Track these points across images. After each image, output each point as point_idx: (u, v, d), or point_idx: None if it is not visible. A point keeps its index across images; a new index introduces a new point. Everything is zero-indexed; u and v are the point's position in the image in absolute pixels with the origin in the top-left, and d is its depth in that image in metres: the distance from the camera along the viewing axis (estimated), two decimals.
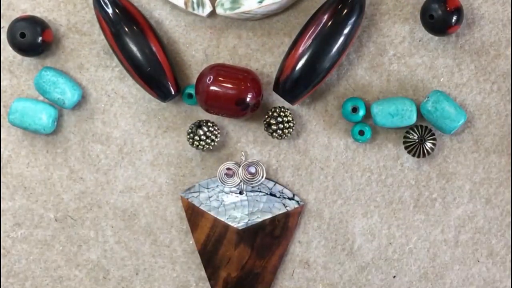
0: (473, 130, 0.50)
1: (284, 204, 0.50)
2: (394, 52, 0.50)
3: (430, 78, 0.50)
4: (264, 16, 0.50)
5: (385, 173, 0.50)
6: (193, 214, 0.51)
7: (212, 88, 0.47)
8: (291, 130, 0.49)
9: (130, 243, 0.51)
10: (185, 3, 0.49)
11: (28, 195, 0.51)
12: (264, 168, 0.50)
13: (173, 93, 0.49)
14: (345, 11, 0.47)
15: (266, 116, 0.49)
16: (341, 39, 0.47)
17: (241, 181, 0.50)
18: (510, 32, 0.50)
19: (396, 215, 0.51)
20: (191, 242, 0.51)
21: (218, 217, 0.50)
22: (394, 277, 0.51)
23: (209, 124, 0.49)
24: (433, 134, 0.49)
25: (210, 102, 0.48)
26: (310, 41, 0.47)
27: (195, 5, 0.49)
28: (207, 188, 0.50)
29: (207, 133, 0.49)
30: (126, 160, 0.51)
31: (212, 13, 0.49)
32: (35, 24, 0.49)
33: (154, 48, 0.48)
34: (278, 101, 0.50)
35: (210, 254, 0.50)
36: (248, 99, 0.47)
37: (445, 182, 0.51)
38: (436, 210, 0.51)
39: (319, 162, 0.51)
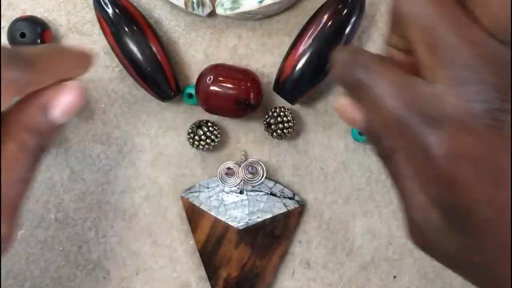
0: None
1: (284, 204, 0.50)
2: None
3: None
4: (264, 16, 0.50)
5: (385, 173, 0.50)
6: (194, 214, 0.51)
7: (212, 88, 0.47)
8: (291, 130, 0.49)
9: (131, 243, 0.51)
10: (185, 3, 0.49)
11: (28, 196, 0.51)
12: (264, 168, 0.50)
13: (173, 93, 0.49)
14: (345, 11, 0.47)
15: (266, 116, 0.49)
16: (341, 39, 0.47)
17: (241, 180, 0.50)
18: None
19: (396, 215, 0.51)
20: (191, 242, 0.51)
21: (218, 217, 0.50)
22: (394, 277, 0.51)
23: (209, 124, 0.49)
24: None
25: (210, 102, 0.48)
26: (310, 41, 0.47)
27: (195, 5, 0.49)
28: (207, 188, 0.51)
29: (207, 133, 0.49)
30: (127, 160, 0.51)
31: (212, 13, 0.50)
32: (35, 24, 0.49)
33: (154, 48, 0.48)
34: (278, 101, 0.50)
35: (210, 254, 0.50)
36: (248, 99, 0.47)
37: None
38: None
39: (319, 162, 0.51)
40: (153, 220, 0.51)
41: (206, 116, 0.51)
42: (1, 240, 0.36)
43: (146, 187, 0.51)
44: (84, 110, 0.51)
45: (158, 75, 0.48)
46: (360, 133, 0.50)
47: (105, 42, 0.49)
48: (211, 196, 0.51)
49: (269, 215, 0.50)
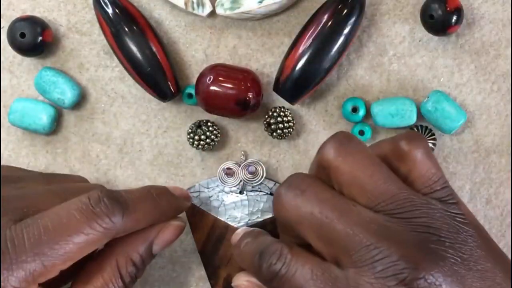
0: (473, 130, 0.50)
1: None
2: (394, 52, 0.50)
3: (430, 78, 0.50)
4: (264, 16, 0.50)
5: None
6: (193, 214, 0.51)
7: (212, 88, 0.47)
8: (291, 130, 0.49)
9: None
10: (185, 3, 0.49)
11: None
12: (264, 168, 0.50)
13: (173, 93, 0.49)
14: (345, 11, 0.47)
15: (266, 116, 0.49)
16: (341, 39, 0.47)
17: (241, 180, 0.50)
18: (510, 32, 0.50)
19: None
20: (191, 242, 0.51)
21: (218, 217, 0.50)
22: None
23: (209, 124, 0.49)
24: (433, 134, 0.49)
25: (210, 102, 0.48)
26: (310, 41, 0.47)
27: (195, 5, 0.49)
28: (207, 188, 0.51)
29: (207, 133, 0.49)
30: (126, 160, 0.51)
31: (212, 13, 0.50)
32: (35, 24, 0.49)
33: (154, 48, 0.48)
34: (278, 101, 0.50)
35: (210, 254, 0.50)
36: (248, 99, 0.47)
37: None
38: None
39: None
40: None
41: (206, 116, 0.51)
42: None
43: None
44: (84, 110, 0.51)
45: (158, 75, 0.48)
46: (360, 133, 0.50)
47: (105, 42, 0.49)
48: (211, 196, 0.51)
49: (269, 215, 0.50)
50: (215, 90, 0.47)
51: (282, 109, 0.49)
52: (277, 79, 0.49)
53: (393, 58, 0.50)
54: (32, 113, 0.49)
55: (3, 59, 0.51)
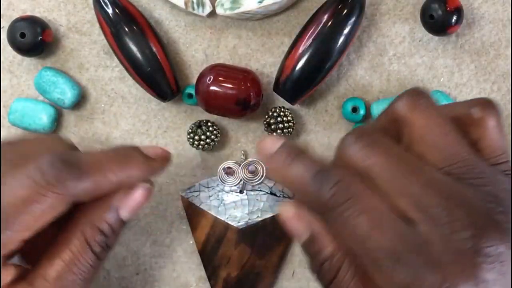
0: None
1: None
2: (394, 52, 0.50)
3: (430, 78, 0.50)
4: (264, 16, 0.50)
5: None
6: (193, 214, 0.51)
7: (212, 88, 0.47)
8: (291, 130, 0.49)
9: (130, 244, 0.51)
10: (185, 3, 0.49)
11: None
12: (264, 167, 0.50)
13: (173, 93, 0.49)
14: (345, 11, 0.47)
15: (266, 116, 0.49)
16: (341, 39, 0.47)
17: (241, 180, 0.50)
18: (510, 32, 0.50)
19: None
20: (191, 242, 0.51)
21: (218, 217, 0.50)
22: None
23: (209, 124, 0.49)
24: None
25: (210, 102, 0.48)
26: (310, 41, 0.47)
27: (195, 5, 0.49)
28: (207, 187, 0.51)
29: (207, 133, 0.49)
30: None
31: (212, 13, 0.49)
32: (35, 24, 0.49)
33: (154, 48, 0.48)
34: (278, 101, 0.50)
35: (210, 254, 0.50)
36: (248, 99, 0.47)
37: None
38: None
39: None
40: (153, 220, 0.51)
41: (206, 116, 0.51)
42: None
43: None
44: (84, 110, 0.51)
45: (158, 75, 0.48)
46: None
47: (105, 42, 0.49)
48: (211, 196, 0.51)
49: (269, 215, 0.50)
50: (215, 90, 0.47)
51: (282, 109, 0.49)
52: (277, 79, 0.49)
53: (393, 58, 0.50)
54: (32, 113, 0.49)
55: (3, 59, 0.51)
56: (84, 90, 0.51)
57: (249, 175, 0.50)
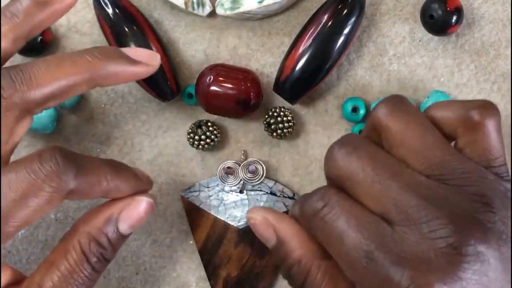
0: None
1: (284, 203, 0.50)
2: (394, 52, 0.50)
3: (430, 78, 0.50)
4: (264, 16, 0.50)
5: None
6: (193, 214, 0.51)
7: (212, 88, 0.47)
8: (291, 130, 0.49)
9: (131, 243, 0.51)
10: (185, 3, 0.49)
11: None
12: (264, 167, 0.50)
13: (173, 93, 0.49)
14: (345, 11, 0.47)
15: (266, 116, 0.49)
16: (341, 39, 0.47)
17: (241, 180, 0.50)
18: (510, 32, 0.50)
19: None
20: (191, 242, 0.51)
21: (218, 216, 0.50)
22: None
23: (209, 124, 0.49)
24: None
25: (210, 102, 0.48)
26: (310, 41, 0.47)
27: (195, 5, 0.49)
28: (207, 187, 0.51)
29: (207, 133, 0.49)
30: (126, 160, 0.51)
31: (212, 13, 0.50)
32: None
33: (154, 48, 0.48)
34: (278, 101, 0.50)
35: (210, 254, 0.50)
36: (248, 99, 0.47)
37: None
38: None
39: (319, 162, 0.51)
40: (153, 220, 0.51)
41: (206, 116, 0.51)
42: None
43: None
44: (84, 110, 0.51)
45: (158, 75, 0.48)
46: (360, 133, 0.50)
47: (105, 42, 0.49)
48: (211, 196, 0.51)
49: None
50: (215, 90, 0.47)
51: (282, 109, 0.49)
52: (277, 79, 0.49)
53: (393, 58, 0.50)
54: None
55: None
56: None
57: (249, 175, 0.50)
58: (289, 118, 0.49)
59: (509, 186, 0.34)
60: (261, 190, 0.50)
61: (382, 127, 0.36)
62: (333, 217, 0.34)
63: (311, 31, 0.47)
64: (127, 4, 0.48)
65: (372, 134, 0.38)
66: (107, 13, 0.48)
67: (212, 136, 0.49)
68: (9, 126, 0.38)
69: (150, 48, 0.48)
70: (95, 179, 0.39)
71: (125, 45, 0.47)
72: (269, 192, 0.50)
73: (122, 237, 0.41)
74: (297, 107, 0.51)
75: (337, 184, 0.36)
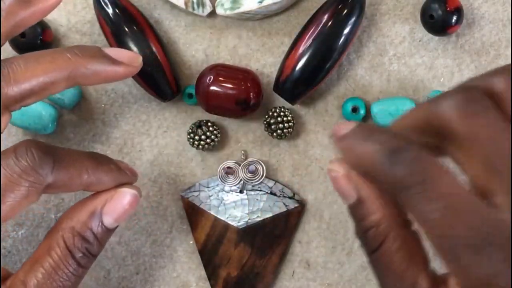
0: None
1: (284, 203, 0.50)
2: (394, 52, 0.50)
3: (430, 78, 0.50)
4: (264, 16, 0.50)
5: None
6: (193, 214, 0.51)
7: (212, 88, 0.47)
8: (291, 130, 0.49)
9: (131, 243, 0.51)
10: (185, 3, 0.49)
11: None
12: (264, 167, 0.50)
13: (173, 93, 0.49)
14: (345, 11, 0.47)
15: (266, 116, 0.49)
16: (341, 39, 0.47)
17: (241, 180, 0.50)
18: (510, 32, 0.50)
19: None
20: (191, 242, 0.51)
21: (218, 216, 0.50)
22: None
23: (209, 124, 0.49)
24: None
25: (210, 102, 0.48)
26: (310, 41, 0.47)
27: (195, 5, 0.49)
28: (207, 187, 0.51)
29: (207, 133, 0.49)
30: (126, 160, 0.51)
31: (212, 13, 0.49)
32: (35, 24, 0.48)
33: (154, 48, 0.48)
34: (278, 101, 0.50)
35: (210, 254, 0.50)
36: (248, 99, 0.47)
37: None
38: None
39: (319, 162, 0.51)
40: (153, 220, 0.51)
41: (206, 116, 0.51)
42: None
43: (146, 187, 0.51)
44: (84, 110, 0.51)
45: (158, 75, 0.48)
46: None
47: (105, 42, 0.49)
48: (211, 196, 0.51)
49: (269, 215, 0.50)
50: (215, 90, 0.47)
51: (282, 109, 0.49)
52: (277, 79, 0.49)
53: (393, 58, 0.50)
54: (32, 113, 0.49)
55: (3, 59, 0.51)
56: (84, 90, 0.51)
57: (249, 175, 0.50)
58: (289, 118, 0.49)
59: None
60: (261, 190, 0.50)
61: (453, 132, 0.30)
62: (428, 196, 0.29)
63: (311, 31, 0.47)
64: (127, 4, 0.48)
65: (424, 128, 0.32)
66: (107, 13, 0.48)
67: (212, 136, 0.49)
68: None
69: (150, 48, 0.48)
70: (75, 172, 0.38)
71: (125, 45, 0.47)
72: (269, 192, 0.50)
73: (108, 231, 0.40)
74: (297, 107, 0.51)
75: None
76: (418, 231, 0.34)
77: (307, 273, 0.51)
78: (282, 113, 0.49)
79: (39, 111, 0.49)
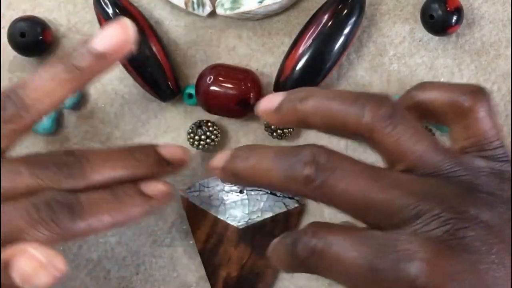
0: None
1: (284, 203, 0.50)
2: (394, 52, 0.50)
3: (430, 78, 0.50)
4: (264, 16, 0.50)
5: None
6: (193, 213, 0.51)
7: (212, 88, 0.47)
8: (291, 130, 0.49)
9: (131, 243, 0.51)
10: (185, 3, 0.49)
11: None
12: None
13: (173, 93, 0.49)
14: (345, 11, 0.47)
15: None
16: (341, 39, 0.47)
17: None
18: (510, 32, 0.50)
19: None
20: (191, 242, 0.51)
21: (218, 216, 0.50)
22: None
23: (209, 124, 0.49)
24: (433, 134, 0.49)
25: (211, 102, 0.48)
26: (310, 41, 0.47)
27: (195, 5, 0.49)
28: (208, 187, 0.51)
29: (207, 133, 0.49)
30: None
31: (212, 13, 0.49)
32: (35, 24, 0.49)
33: (154, 48, 0.48)
34: None
35: (210, 254, 0.50)
36: (248, 99, 0.47)
37: None
38: None
39: None
40: (153, 220, 0.51)
41: (206, 116, 0.51)
42: None
43: None
44: (84, 110, 0.51)
45: (158, 75, 0.48)
46: None
47: None
48: (211, 195, 0.51)
49: (269, 215, 0.50)
50: (215, 90, 0.47)
51: None
52: (277, 79, 0.49)
53: (393, 58, 0.50)
54: None
55: (3, 59, 0.51)
56: (84, 90, 0.51)
57: None
58: None
59: (506, 167, 0.34)
60: (261, 190, 0.50)
61: (369, 136, 0.35)
62: (328, 246, 0.33)
63: (311, 31, 0.47)
64: (127, 4, 0.48)
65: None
66: (107, 13, 0.48)
67: (212, 136, 0.49)
68: None
69: (150, 48, 0.48)
70: (96, 220, 0.39)
71: None
72: (269, 192, 0.50)
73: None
74: None
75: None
76: None
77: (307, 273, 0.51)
78: None
79: None
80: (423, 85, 0.38)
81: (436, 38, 0.50)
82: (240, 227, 0.50)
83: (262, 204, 0.50)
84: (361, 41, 0.50)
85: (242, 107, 0.48)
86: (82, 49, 0.41)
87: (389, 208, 0.32)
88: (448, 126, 0.37)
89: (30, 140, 0.51)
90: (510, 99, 0.50)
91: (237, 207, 0.50)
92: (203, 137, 0.49)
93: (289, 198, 0.50)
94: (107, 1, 0.48)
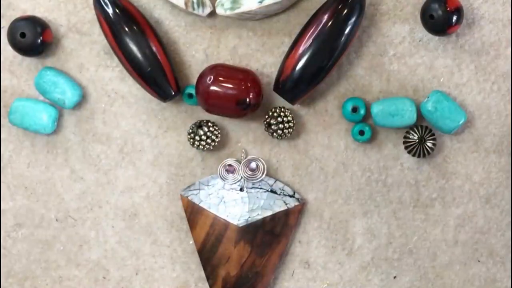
0: (473, 130, 0.50)
1: (284, 202, 0.50)
2: (394, 52, 0.50)
3: (430, 78, 0.50)
4: (264, 16, 0.50)
5: (385, 173, 0.51)
6: (193, 212, 0.51)
7: (212, 88, 0.47)
8: (291, 130, 0.49)
9: (131, 243, 0.51)
10: (185, 3, 0.49)
11: (28, 195, 0.51)
12: (265, 164, 0.50)
13: (173, 93, 0.49)
14: (345, 11, 0.47)
15: (266, 116, 0.49)
16: (341, 39, 0.47)
17: (241, 177, 0.50)
18: (510, 32, 0.50)
19: (396, 215, 0.51)
20: (191, 242, 0.51)
21: (218, 214, 0.50)
22: (394, 277, 0.52)
23: (209, 124, 0.49)
24: (433, 134, 0.49)
25: (211, 102, 0.48)
26: (310, 41, 0.47)
27: (195, 5, 0.49)
28: (207, 185, 0.51)
29: (208, 133, 0.49)
30: (127, 160, 0.51)
31: (212, 13, 0.49)
32: (35, 24, 0.48)
33: (154, 48, 0.48)
34: (278, 101, 0.50)
35: (209, 253, 0.50)
36: (248, 99, 0.47)
37: (444, 182, 0.51)
38: (436, 210, 0.51)
39: (319, 162, 0.51)
40: (153, 220, 0.51)
41: (206, 116, 0.51)
42: None
43: (146, 187, 0.51)
44: (84, 110, 0.51)
45: (158, 75, 0.48)
46: (360, 133, 0.50)
47: (105, 42, 0.49)
48: (211, 194, 0.51)
49: (269, 213, 0.50)
50: (215, 90, 0.47)
51: (282, 109, 0.49)
52: (277, 79, 0.49)
53: (393, 58, 0.50)
54: (32, 113, 0.49)
55: (3, 59, 0.51)
56: (84, 90, 0.51)
57: (249, 172, 0.50)
58: (289, 118, 0.49)
59: None
60: (261, 188, 0.50)
61: None
62: None
63: (311, 31, 0.47)
64: (127, 4, 0.48)
65: None
66: (107, 13, 0.48)
67: (213, 136, 0.49)
68: None
69: (150, 48, 0.48)
70: None
71: (125, 45, 0.47)
72: (269, 190, 0.50)
73: None
74: (297, 107, 0.51)
75: None
76: None
77: (307, 273, 0.51)
78: (282, 113, 0.49)
79: (40, 111, 0.49)
80: None
81: (436, 38, 0.50)
82: (240, 225, 0.50)
83: (262, 202, 0.50)
84: (361, 41, 0.50)
85: (242, 107, 0.48)
86: None
87: None
88: None
89: (31, 139, 0.51)
90: (510, 99, 0.50)
91: (237, 205, 0.50)
92: (203, 137, 0.49)
93: (289, 196, 0.50)
94: (107, 1, 0.48)
